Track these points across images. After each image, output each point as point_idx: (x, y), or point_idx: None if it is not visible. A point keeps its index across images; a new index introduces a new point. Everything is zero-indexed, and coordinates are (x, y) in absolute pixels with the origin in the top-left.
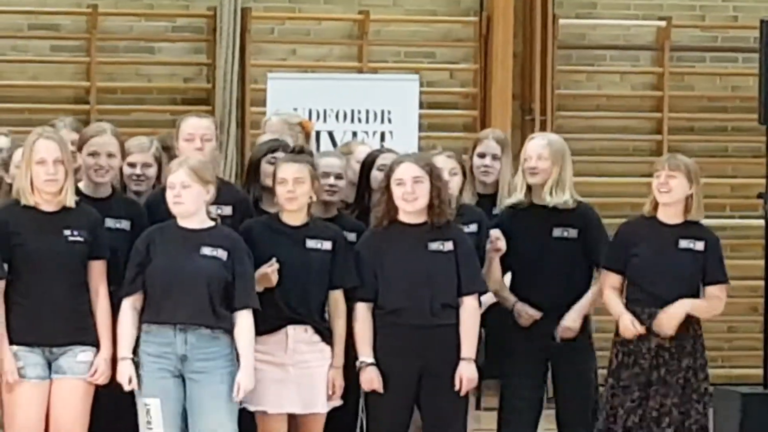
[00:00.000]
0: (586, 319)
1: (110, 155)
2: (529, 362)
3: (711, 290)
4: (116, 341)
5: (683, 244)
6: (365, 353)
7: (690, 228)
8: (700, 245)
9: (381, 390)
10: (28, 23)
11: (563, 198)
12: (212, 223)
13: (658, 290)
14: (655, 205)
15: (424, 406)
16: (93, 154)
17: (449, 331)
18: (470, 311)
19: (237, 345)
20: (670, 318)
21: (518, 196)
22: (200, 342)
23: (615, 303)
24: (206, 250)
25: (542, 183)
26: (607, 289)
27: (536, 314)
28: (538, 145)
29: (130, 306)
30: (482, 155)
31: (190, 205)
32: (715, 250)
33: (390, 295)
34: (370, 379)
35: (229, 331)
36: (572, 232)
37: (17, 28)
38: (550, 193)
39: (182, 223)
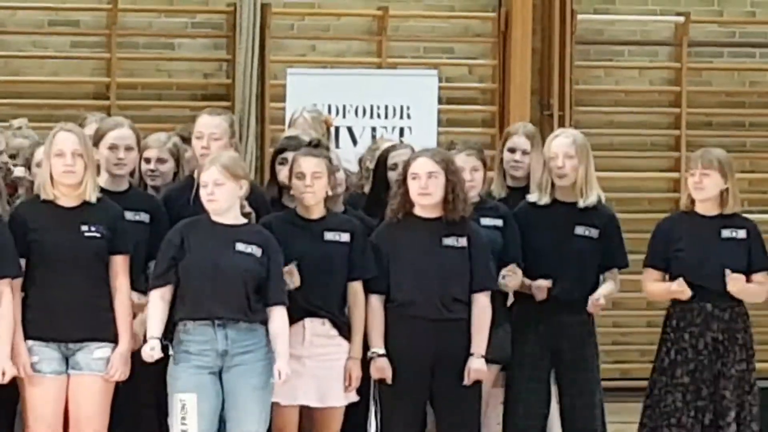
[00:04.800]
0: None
1: (128, 148)
2: (535, 353)
3: (756, 277)
4: (134, 337)
5: (725, 233)
6: (377, 345)
7: (729, 218)
8: (742, 233)
9: (390, 381)
10: (48, 19)
11: (592, 198)
12: (245, 220)
13: (706, 283)
14: (692, 200)
15: (436, 400)
16: (112, 148)
17: (460, 325)
18: (481, 307)
19: (273, 340)
20: (738, 282)
21: (544, 197)
22: (239, 335)
23: (659, 285)
24: (240, 246)
25: (571, 183)
26: (649, 284)
27: (548, 282)
28: (563, 144)
29: (159, 296)
30: (512, 150)
31: (224, 202)
32: (757, 237)
33: (402, 288)
34: (381, 368)
35: (264, 322)
36: (594, 232)
37: (37, 24)
38: (581, 194)
39: (216, 218)
